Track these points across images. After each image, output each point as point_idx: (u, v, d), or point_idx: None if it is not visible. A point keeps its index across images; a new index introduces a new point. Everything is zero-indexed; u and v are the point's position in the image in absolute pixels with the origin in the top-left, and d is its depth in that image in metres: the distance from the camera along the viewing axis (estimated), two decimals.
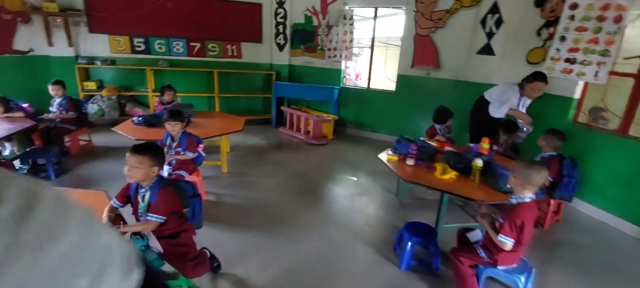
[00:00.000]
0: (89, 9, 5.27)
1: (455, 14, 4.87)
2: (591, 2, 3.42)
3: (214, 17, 5.88)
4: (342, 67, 6.08)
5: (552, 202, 3.17)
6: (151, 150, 1.78)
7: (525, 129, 3.58)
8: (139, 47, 5.74)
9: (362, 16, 6.22)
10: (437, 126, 4.03)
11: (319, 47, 6.04)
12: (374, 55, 5.95)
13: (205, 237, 2.70)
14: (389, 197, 3.74)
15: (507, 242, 1.94)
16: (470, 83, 4.85)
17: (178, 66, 5.94)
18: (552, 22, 3.89)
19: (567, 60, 3.66)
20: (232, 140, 5.27)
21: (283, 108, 6.05)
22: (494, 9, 4.44)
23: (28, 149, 3.95)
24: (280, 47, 6.25)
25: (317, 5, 5.86)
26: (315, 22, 5.98)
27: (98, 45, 5.52)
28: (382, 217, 3.31)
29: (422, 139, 3.66)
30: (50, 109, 4.36)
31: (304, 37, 6.15)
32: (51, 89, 4.26)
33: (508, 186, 2.23)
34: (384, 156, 3.21)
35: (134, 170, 1.76)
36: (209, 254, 2.23)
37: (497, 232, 1.99)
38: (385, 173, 3.82)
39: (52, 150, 3.86)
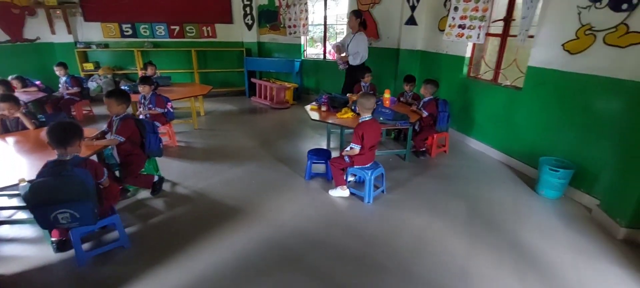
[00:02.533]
0: (82, 1, 6.27)
1: None
2: None
3: (189, 2, 6.83)
4: (302, 42, 7.03)
5: (435, 135, 4.17)
6: (115, 95, 2.85)
7: (338, 59, 5.15)
8: (127, 31, 6.76)
9: None
10: (362, 83, 5.00)
11: (282, 25, 6.99)
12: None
13: (172, 165, 3.81)
14: (322, 140, 4.77)
15: (355, 147, 2.97)
16: (402, 50, 5.78)
17: (161, 47, 6.96)
18: None
19: (460, 26, 4.56)
20: (207, 108, 6.34)
21: (253, 80, 7.05)
22: None
23: (41, 115, 5.04)
24: (249, 27, 7.20)
25: None
26: (277, 3, 6.89)
27: (93, 31, 6.55)
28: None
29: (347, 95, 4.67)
30: (59, 85, 5.47)
31: (269, 16, 7.09)
32: (56, 70, 5.35)
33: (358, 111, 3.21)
34: (308, 107, 4.25)
35: (108, 107, 2.83)
36: (156, 180, 3.21)
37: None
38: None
39: (61, 115, 4.95)
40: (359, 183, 3.50)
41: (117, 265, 2.32)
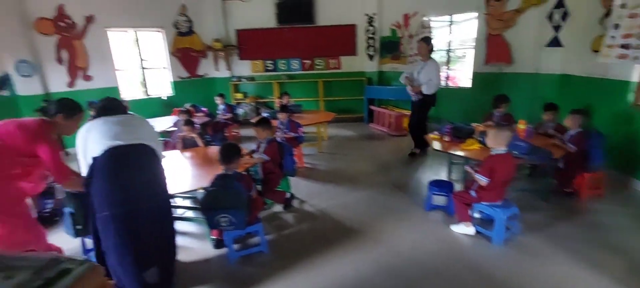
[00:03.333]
0: (239, 44, 7.75)
1: (524, 12, 5.26)
2: None
3: (320, 39, 7.67)
4: None
5: (586, 175, 3.54)
6: (259, 123, 3.45)
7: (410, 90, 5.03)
8: (269, 67, 7.98)
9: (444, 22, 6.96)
10: (495, 112, 4.62)
11: (403, 55, 7.11)
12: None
13: (300, 184, 4.28)
14: (442, 170, 4.60)
15: (482, 179, 2.79)
16: (542, 74, 5.15)
17: (295, 79, 7.94)
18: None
19: (622, 46, 3.83)
20: (330, 133, 6.85)
21: (372, 107, 7.32)
22: (560, 4, 4.73)
23: (206, 136, 6.36)
24: (371, 57, 7.57)
25: (400, 20, 6.97)
26: (399, 34, 7.07)
27: (244, 68, 7.98)
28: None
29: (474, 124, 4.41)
30: (217, 112, 6.82)
31: (391, 47, 7.31)
32: (216, 99, 6.70)
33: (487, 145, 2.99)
34: (429, 136, 4.20)
35: (256, 133, 3.45)
36: (288, 196, 3.68)
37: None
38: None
39: (218, 136, 6.16)
40: (487, 221, 3.23)
41: (257, 266, 2.75)
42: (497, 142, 2.79)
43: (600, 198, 3.63)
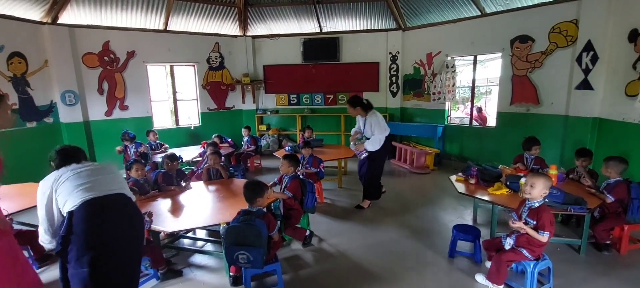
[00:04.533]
0: (266, 79, 8.05)
1: (551, 54, 5.20)
2: None
3: (343, 76, 7.84)
4: (446, 107, 6.93)
5: (626, 227, 3.31)
6: (287, 158, 3.49)
7: (354, 148, 4.70)
8: (293, 100, 8.19)
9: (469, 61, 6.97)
10: (526, 155, 4.44)
11: (426, 92, 7.12)
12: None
13: (319, 221, 4.24)
14: (466, 213, 4.44)
15: (545, 235, 2.49)
16: (572, 117, 4.99)
17: (317, 112, 8.08)
18: None
19: None
20: (350, 167, 6.83)
21: (394, 143, 7.27)
22: (588, 47, 4.66)
23: (230, 167, 6.50)
24: (393, 94, 7.63)
25: (423, 58, 7.05)
26: (423, 72, 7.13)
27: (269, 101, 8.23)
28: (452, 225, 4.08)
29: (499, 166, 4.27)
30: (242, 143, 7.00)
31: (413, 84, 7.36)
32: (243, 131, 6.90)
33: (521, 194, 2.83)
34: (453, 177, 4.10)
35: (281, 166, 3.50)
36: (308, 234, 3.63)
37: (536, 230, 2.53)
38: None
39: (240, 167, 6.28)
40: (517, 273, 3.03)
41: None
42: (541, 191, 2.59)
43: None
